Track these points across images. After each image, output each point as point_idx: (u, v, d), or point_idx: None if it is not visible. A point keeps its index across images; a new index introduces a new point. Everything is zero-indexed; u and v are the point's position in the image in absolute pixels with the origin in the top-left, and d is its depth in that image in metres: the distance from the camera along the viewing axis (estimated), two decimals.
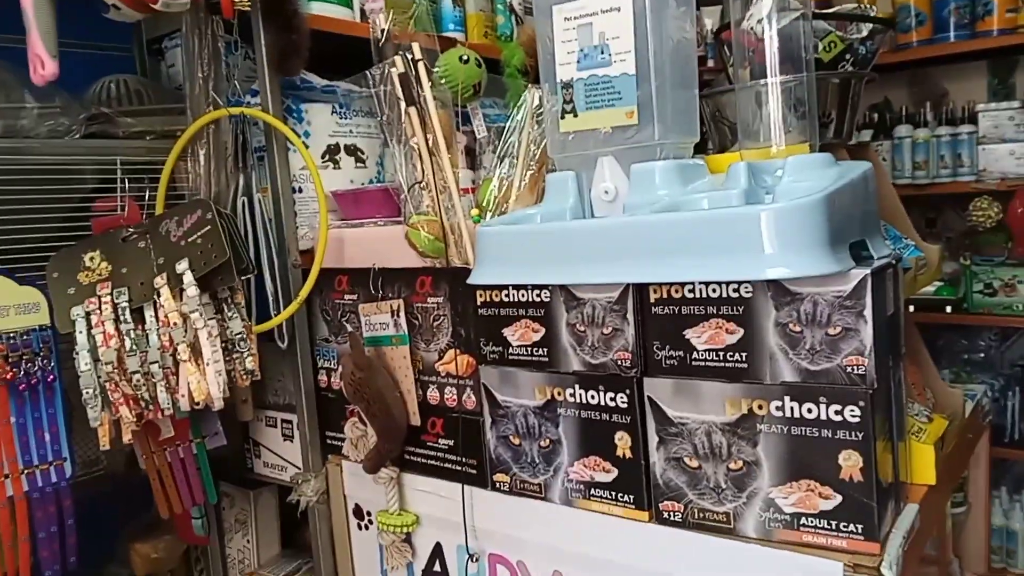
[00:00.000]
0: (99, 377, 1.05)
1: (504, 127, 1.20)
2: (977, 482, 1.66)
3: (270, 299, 1.27)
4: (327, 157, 1.36)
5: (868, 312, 0.81)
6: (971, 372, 2.68)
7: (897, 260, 0.92)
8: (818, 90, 1.00)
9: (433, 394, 1.18)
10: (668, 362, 0.93)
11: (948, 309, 2.53)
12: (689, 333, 0.91)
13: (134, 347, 1.07)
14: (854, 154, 1.20)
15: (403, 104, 1.18)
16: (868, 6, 1.07)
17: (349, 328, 1.28)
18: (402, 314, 1.18)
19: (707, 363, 0.90)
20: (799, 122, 0.97)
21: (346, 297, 1.28)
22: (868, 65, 1.11)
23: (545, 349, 1.02)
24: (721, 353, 0.89)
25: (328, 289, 1.30)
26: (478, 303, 1.08)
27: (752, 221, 0.80)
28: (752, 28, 0.99)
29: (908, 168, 2.61)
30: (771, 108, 0.94)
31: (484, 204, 1.17)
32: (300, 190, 1.30)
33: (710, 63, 1.83)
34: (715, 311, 0.89)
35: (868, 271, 0.80)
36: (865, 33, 1.06)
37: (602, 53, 0.94)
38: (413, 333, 1.18)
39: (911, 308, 1.80)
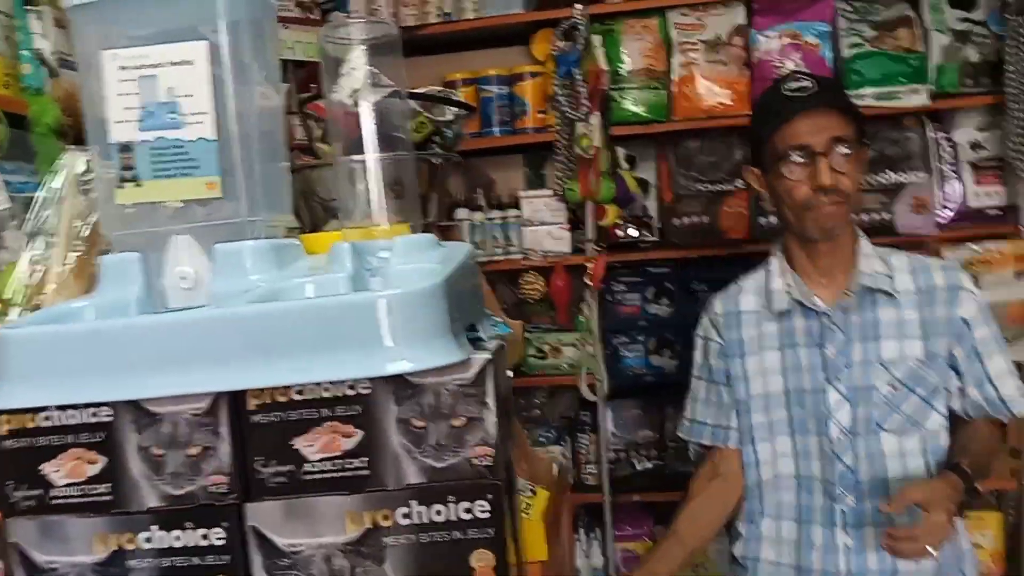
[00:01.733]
0: None
1: (35, 197, 0.94)
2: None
3: None
4: None
5: (491, 399, 0.77)
6: (529, 428, 2.95)
7: (504, 339, 0.92)
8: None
9: None
10: (275, 480, 0.78)
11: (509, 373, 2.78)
12: (299, 442, 0.77)
13: None
14: (443, 235, 1.21)
15: None
16: (451, 92, 1.09)
17: None
18: None
19: (323, 475, 0.77)
20: (398, 201, 0.93)
21: None
22: (453, 147, 1.13)
23: (107, 485, 0.78)
24: (339, 461, 0.77)
25: None
26: (1, 433, 0.79)
27: (368, 310, 0.71)
28: (344, 101, 0.93)
29: None
30: (372, 186, 0.88)
31: (8, 297, 0.89)
32: None
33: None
34: (330, 413, 0.77)
35: (488, 356, 0.77)
36: (451, 117, 1.07)
37: (172, 113, 0.77)
38: None
39: None
